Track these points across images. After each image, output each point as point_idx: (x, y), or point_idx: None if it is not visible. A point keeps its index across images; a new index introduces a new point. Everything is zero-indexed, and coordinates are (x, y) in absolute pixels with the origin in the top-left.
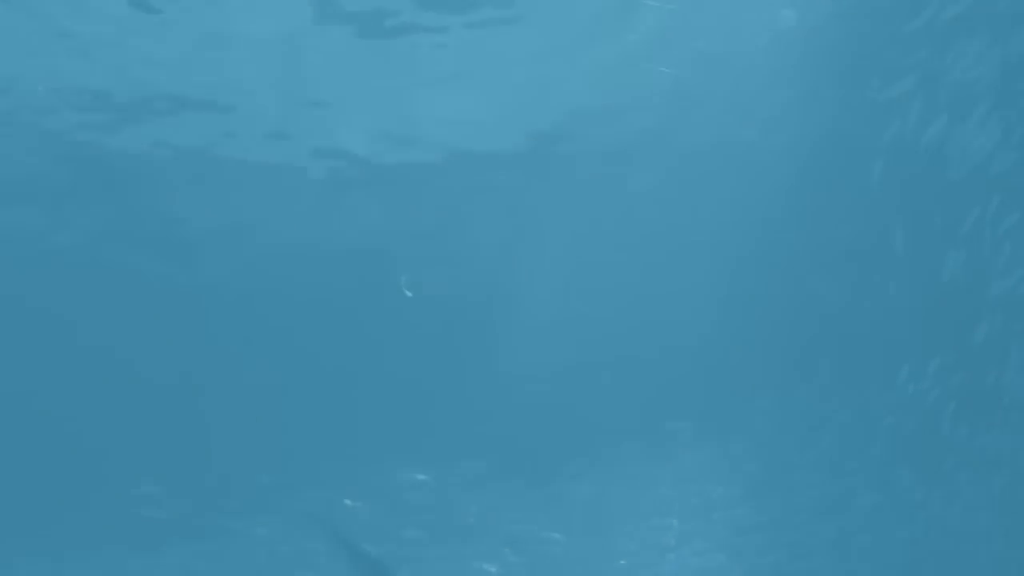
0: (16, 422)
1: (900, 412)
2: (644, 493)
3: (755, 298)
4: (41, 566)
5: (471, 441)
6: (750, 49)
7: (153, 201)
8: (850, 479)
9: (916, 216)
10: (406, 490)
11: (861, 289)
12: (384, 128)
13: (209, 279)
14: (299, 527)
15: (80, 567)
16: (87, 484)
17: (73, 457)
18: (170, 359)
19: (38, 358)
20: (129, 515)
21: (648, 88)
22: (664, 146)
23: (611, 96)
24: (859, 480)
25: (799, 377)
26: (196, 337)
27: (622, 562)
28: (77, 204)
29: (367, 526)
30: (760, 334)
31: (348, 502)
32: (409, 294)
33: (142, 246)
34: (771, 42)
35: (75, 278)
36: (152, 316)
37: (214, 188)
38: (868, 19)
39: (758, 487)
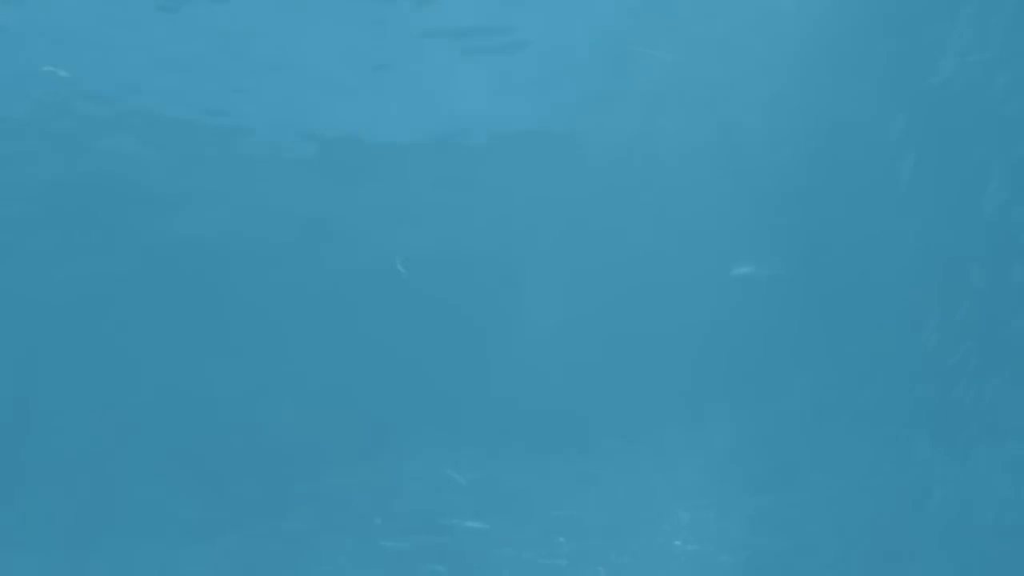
0: (46, 415)
1: (926, 380)
2: (674, 476)
3: (777, 273)
4: (74, 559)
5: (506, 424)
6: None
7: None
8: (878, 453)
9: (950, 157)
10: (444, 479)
11: (884, 240)
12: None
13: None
14: (330, 523)
15: (109, 560)
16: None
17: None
18: (200, 352)
19: (72, 350)
20: (157, 512)
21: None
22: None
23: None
24: (888, 455)
25: (829, 353)
26: (225, 331)
27: (676, 543)
28: None
29: (404, 518)
30: (787, 311)
31: (382, 494)
32: (403, 270)
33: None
34: None
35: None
36: (184, 312)
37: None
38: None
39: (789, 467)
